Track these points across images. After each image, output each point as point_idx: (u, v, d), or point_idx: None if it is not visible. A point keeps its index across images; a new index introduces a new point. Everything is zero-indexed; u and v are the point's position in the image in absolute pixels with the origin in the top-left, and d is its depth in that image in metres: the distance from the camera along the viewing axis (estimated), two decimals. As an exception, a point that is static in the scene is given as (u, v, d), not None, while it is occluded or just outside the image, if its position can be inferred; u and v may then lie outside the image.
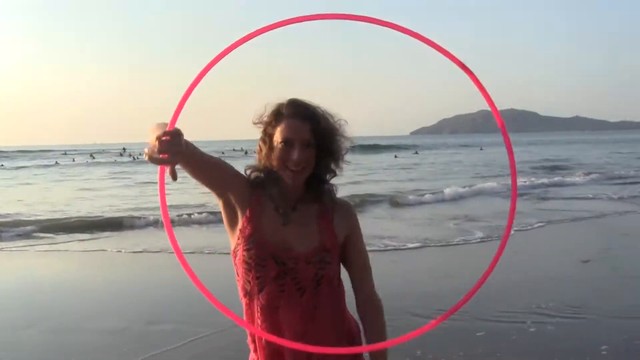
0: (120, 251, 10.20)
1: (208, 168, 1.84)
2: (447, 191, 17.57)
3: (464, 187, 19.04)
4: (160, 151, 1.46)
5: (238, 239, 1.89)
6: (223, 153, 67.12)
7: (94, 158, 62.39)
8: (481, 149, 68.24)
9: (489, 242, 9.84)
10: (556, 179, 22.06)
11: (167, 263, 9.37)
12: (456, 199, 16.64)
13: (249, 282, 1.88)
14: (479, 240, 10.04)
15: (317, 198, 1.94)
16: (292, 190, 1.90)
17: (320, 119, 1.87)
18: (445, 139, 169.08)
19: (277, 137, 1.85)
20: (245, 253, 1.86)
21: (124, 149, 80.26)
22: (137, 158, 58.35)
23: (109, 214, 14.77)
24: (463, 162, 40.95)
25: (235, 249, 1.92)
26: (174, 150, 1.47)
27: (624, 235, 10.55)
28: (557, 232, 10.91)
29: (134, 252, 10.10)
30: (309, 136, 1.83)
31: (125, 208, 16.07)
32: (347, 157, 1.96)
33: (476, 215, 13.09)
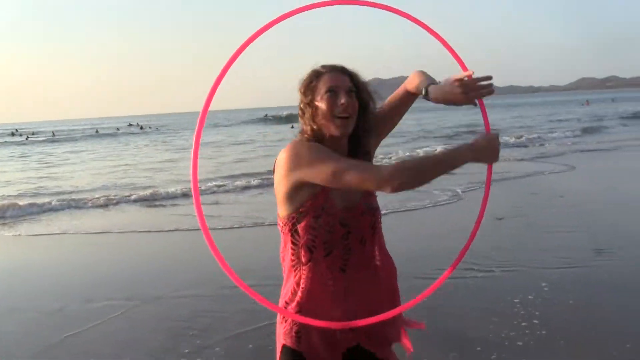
0: (19, 235, 9.78)
1: None
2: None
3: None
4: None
5: (303, 206, 1.93)
6: (118, 129, 64.83)
7: (-18, 139, 59.02)
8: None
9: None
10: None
11: (73, 243, 8.96)
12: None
13: (313, 247, 1.94)
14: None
15: (354, 153, 2.05)
16: (340, 149, 1.98)
17: (354, 74, 2.02)
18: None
19: (321, 89, 1.95)
20: (313, 220, 1.92)
21: (16, 129, 76.37)
22: (28, 138, 55.64)
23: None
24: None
25: (292, 214, 1.94)
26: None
27: (533, 194, 11.00)
28: (470, 194, 11.12)
29: (33, 235, 9.76)
30: (350, 84, 1.98)
31: (18, 193, 15.32)
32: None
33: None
